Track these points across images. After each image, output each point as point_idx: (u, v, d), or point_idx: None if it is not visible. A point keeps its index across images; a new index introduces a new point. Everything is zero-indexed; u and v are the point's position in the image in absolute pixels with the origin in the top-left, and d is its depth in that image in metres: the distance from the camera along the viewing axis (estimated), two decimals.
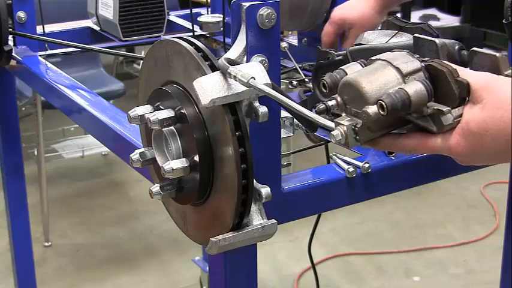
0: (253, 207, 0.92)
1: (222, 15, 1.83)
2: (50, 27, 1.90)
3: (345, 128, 0.82)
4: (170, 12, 2.05)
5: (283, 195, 1.03)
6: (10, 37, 1.70)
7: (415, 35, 0.90)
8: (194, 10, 1.92)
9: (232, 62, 0.89)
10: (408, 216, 3.30)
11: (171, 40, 0.94)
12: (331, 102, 0.85)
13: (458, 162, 0.85)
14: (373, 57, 0.85)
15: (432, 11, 4.75)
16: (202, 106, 0.86)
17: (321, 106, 0.85)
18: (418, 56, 0.84)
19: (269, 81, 0.87)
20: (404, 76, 0.82)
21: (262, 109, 0.89)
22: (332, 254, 2.99)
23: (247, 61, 0.93)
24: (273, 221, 0.92)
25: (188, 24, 1.97)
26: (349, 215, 3.23)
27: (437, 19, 4.64)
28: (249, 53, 0.93)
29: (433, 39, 0.87)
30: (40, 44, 1.79)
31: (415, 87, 0.80)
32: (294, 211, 1.07)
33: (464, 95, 0.80)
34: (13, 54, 1.69)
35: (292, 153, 1.31)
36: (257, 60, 0.93)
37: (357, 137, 0.82)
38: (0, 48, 1.65)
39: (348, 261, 2.98)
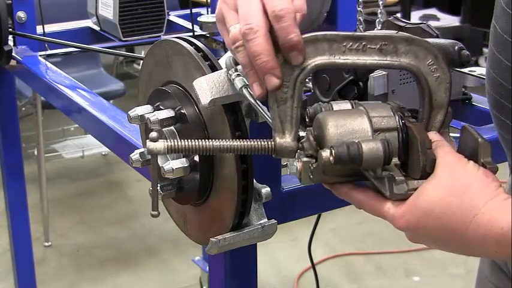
0: (253, 207, 0.91)
1: None
2: (50, 27, 1.90)
3: (301, 164, 0.79)
4: (170, 12, 2.05)
5: (283, 195, 1.03)
6: (10, 37, 1.70)
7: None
8: (194, 10, 1.92)
9: None
10: None
11: (171, 40, 0.93)
12: (302, 133, 0.81)
13: (407, 238, 0.79)
14: (361, 102, 0.82)
15: (432, 11, 4.76)
16: (202, 106, 0.86)
17: None
18: (405, 114, 0.80)
19: None
20: (375, 131, 0.78)
21: None
22: (332, 254, 2.99)
23: None
24: (273, 221, 0.92)
25: (188, 24, 1.97)
26: (349, 215, 3.23)
27: (437, 19, 4.64)
28: None
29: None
30: (40, 44, 1.79)
31: (372, 146, 0.75)
32: (294, 211, 1.06)
33: (429, 170, 0.76)
34: (13, 54, 1.69)
35: None
36: None
37: (311, 176, 0.79)
38: (0, 48, 1.65)
39: (348, 261, 2.98)
